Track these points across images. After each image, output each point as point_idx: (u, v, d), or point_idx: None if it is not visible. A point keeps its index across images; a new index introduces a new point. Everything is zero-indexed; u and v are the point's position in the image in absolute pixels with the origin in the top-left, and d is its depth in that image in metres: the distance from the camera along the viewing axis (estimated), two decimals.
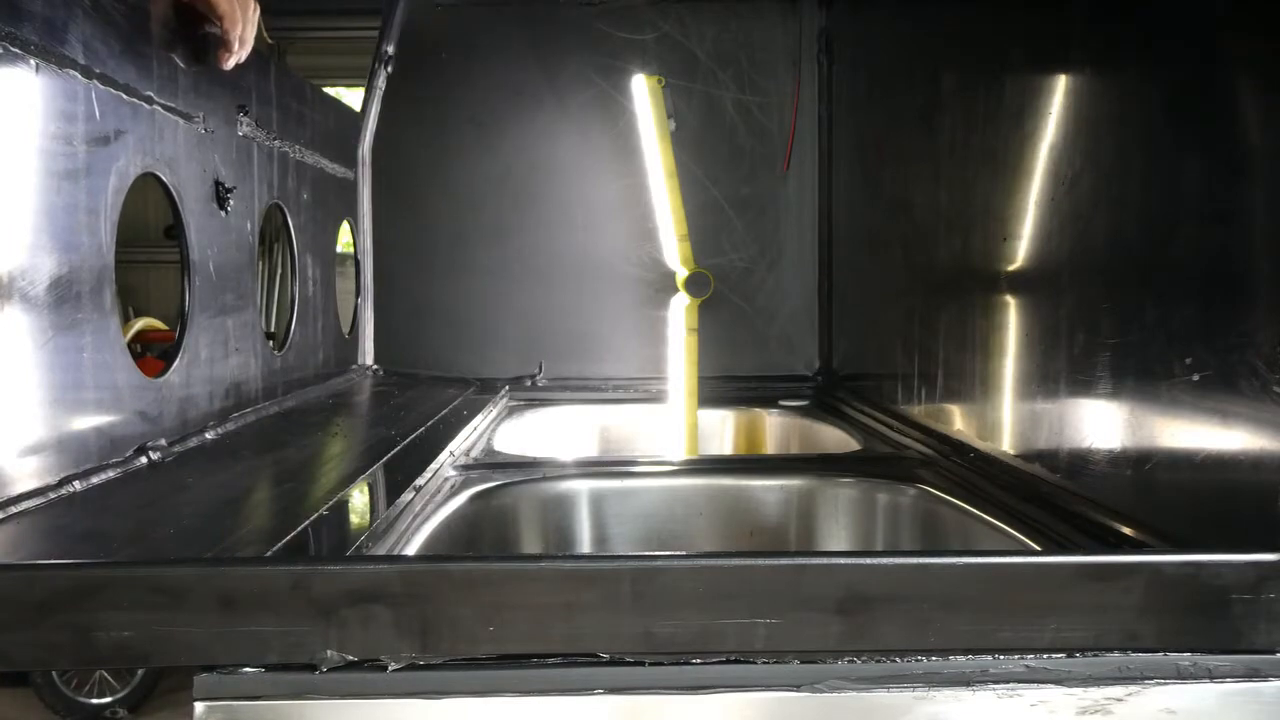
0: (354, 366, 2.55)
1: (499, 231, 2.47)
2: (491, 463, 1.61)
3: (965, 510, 1.34)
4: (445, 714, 0.83)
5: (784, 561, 0.85)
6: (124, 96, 1.41)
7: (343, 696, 0.83)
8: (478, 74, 2.45)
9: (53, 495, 1.21)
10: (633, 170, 2.42)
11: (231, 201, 1.77)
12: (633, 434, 2.36)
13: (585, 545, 1.55)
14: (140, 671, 3.64)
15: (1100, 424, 1.14)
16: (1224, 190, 0.93)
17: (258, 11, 1.61)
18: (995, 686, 0.84)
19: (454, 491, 1.42)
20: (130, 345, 1.69)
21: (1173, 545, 1.00)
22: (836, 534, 1.56)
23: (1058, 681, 0.84)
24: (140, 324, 4.62)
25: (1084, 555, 0.99)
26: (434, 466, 1.47)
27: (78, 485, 1.26)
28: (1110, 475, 1.11)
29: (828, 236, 2.50)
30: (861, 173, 2.25)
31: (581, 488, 1.58)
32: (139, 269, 6.09)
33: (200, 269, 1.67)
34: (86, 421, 1.36)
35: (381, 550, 1.10)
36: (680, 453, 2.22)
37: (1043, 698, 0.84)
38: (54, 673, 3.57)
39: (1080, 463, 1.18)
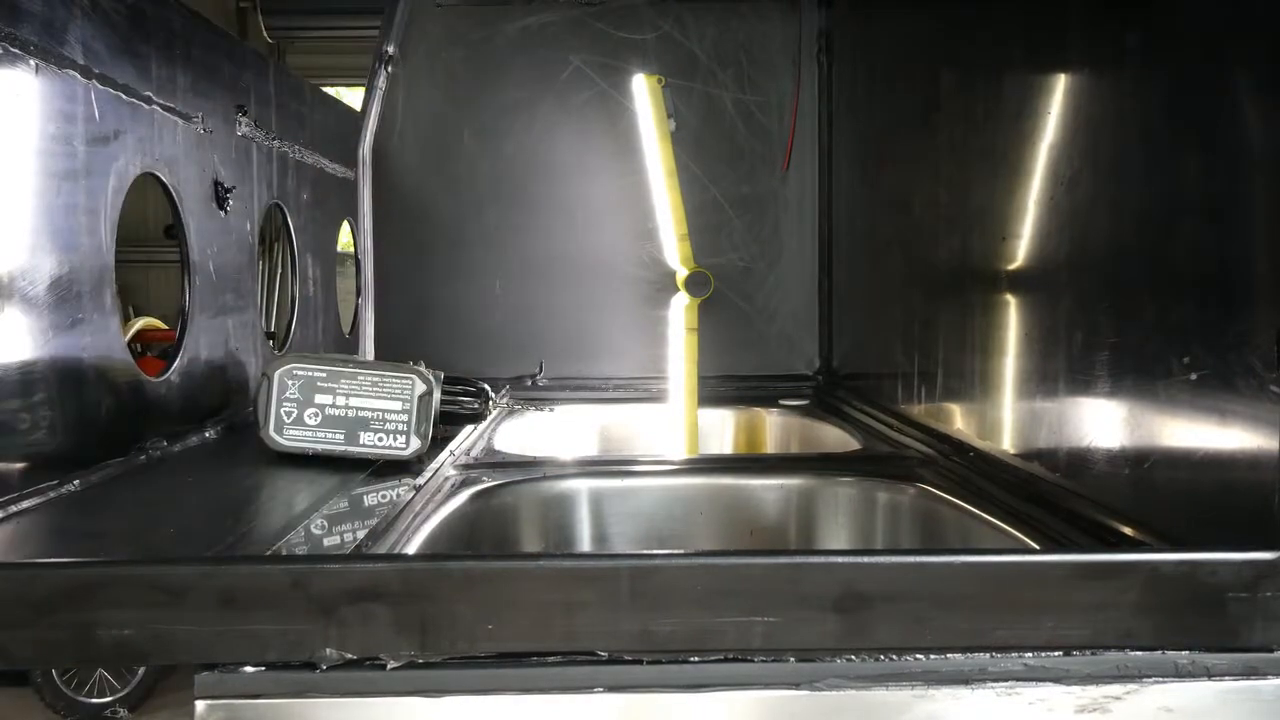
0: None
1: (499, 231, 2.47)
2: (491, 462, 1.61)
3: (965, 509, 1.34)
4: (444, 712, 0.83)
5: (781, 560, 0.85)
6: (123, 96, 1.42)
7: (342, 695, 0.83)
8: (478, 74, 2.45)
9: (53, 494, 1.21)
10: (633, 170, 2.42)
11: (231, 201, 1.77)
12: (633, 433, 2.36)
13: (585, 544, 1.55)
14: (140, 671, 3.64)
15: (1099, 423, 1.14)
16: (1222, 190, 0.94)
17: None
18: (994, 685, 0.85)
19: (454, 491, 1.42)
20: (130, 345, 1.70)
21: (1170, 544, 1.00)
22: (836, 533, 1.56)
23: (1056, 680, 0.85)
24: (140, 324, 4.63)
25: (1081, 554, 0.99)
26: (434, 465, 1.48)
27: (77, 484, 1.26)
28: (1108, 474, 1.11)
29: (828, 236, 2.50)
30: (861, 172, 2.25)
31: (581, 487, 1.58)
32: (139, 269, 6.09)
33: (200, 269, 1.67)
34: (86, 420, 1.36)
35: (382, 549, 1.10)
36: (680, 452, 2.22)
37: (1041, 696, 0.84)
38: (54, 672, 3.57)
39: (1079, 461, 1.18)
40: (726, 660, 0.84)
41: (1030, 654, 0.85)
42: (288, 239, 2.43)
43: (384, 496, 1.29)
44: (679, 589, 0.83)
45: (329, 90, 3.47)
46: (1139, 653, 0.85)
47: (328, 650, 0.82)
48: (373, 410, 1.44)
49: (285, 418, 1.42)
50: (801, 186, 2.52)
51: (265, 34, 5.32)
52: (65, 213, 1.29)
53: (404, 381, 1.46)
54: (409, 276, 2.50)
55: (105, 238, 1.39)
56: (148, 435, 1.48)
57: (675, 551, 1.28)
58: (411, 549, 1.15)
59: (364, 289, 2.51)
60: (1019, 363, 1.36)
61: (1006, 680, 0.85)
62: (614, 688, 0.84)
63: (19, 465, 1.22)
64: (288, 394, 1.42)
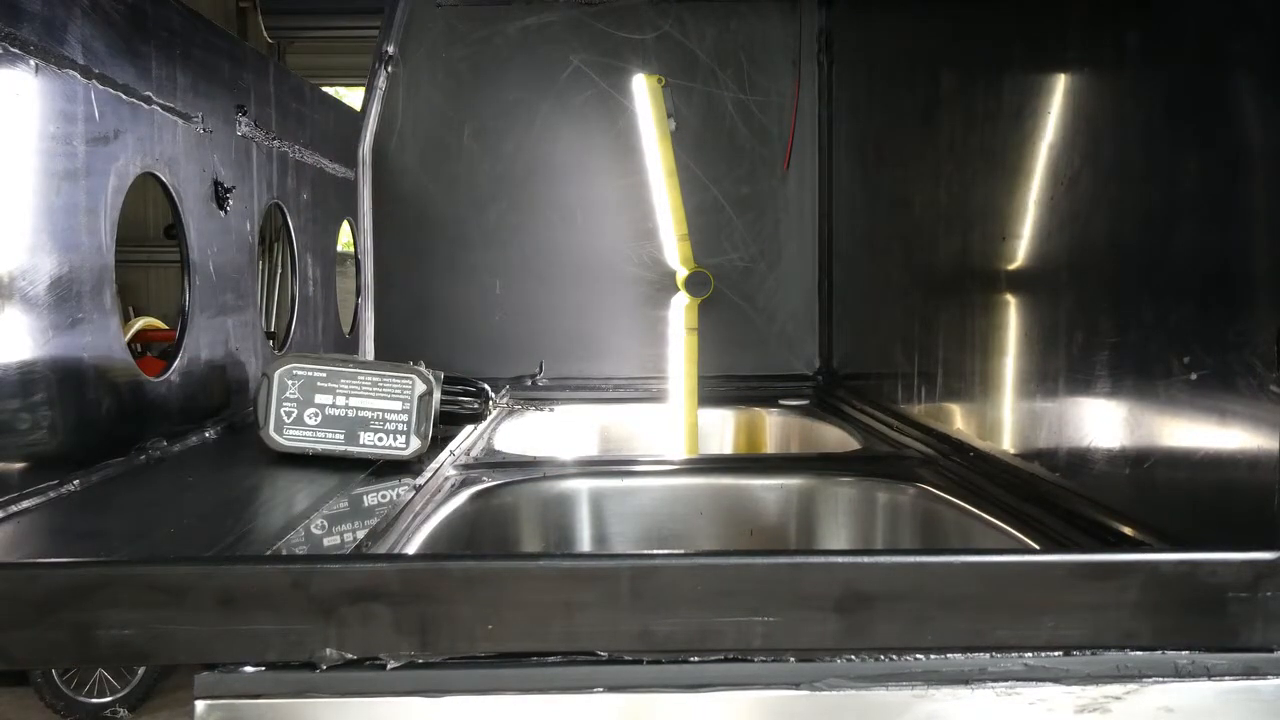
0: None
1: (499, 231, 2.47)
2: (492, 462, 1.61)
3: (965, 509, 1.34)
4: (444, 712, 0.83)
5: (781, 560, 0.85)
6: (123, 96, 1.42)
7: (342, 695, 0.83)
8: (478, 73, 2.45)
9: (53, 494, 1.21)
10: (633, 170, 2.42)
11: (231, 201, 1.77)
12: (633, 433, 2.36)
13: (585, 544, 1.55)
14: (140, 671, 3.64)
15: (1099, 423, 1.14)
16: (1222, 190, 0.94)
17: None
18: (994, 685, 0.85)
19: (454, 491, 1.42)
20: (130, 345, 1.70)
21: (1170, 544, 1.00)
22: (836, 533, 1.56)
23: (1056, 680, 0.85)
24: (140, 323, 4.63)
25: (1082, 554, 0.99)
26: (434, 465, 1.48)
27: (77, 484, 1.26)
28: (1108, 474, 1.12)
29: (828, 236, 2.50)
30: (861, 172, 2.25)
31: (581, 487, 1.58)
32: (139, 268, 6.10)
33: (200, 269, 1.67)
34: (86, 420, 1.36)
35: (382, 549, 1.10)
36: (680, 452, 2.22)
37: (1041, 696, 0.84)
38: (54, 672, 3.57)
39: (1079, 461, 1.18)
40: (726, 660, 0.84)
41: (1030, 654, 0.85)
42: (288, 239, 2.43)
43: (384, 496, 1.29)
44: (679, 589, 0.83)
45: (329, 90, 3.47)
46: (1139, 653, 0.85)
47: (328, 650, 0.82)
48: (373, 410, 1.44)
49: (285, 418, 1.42)
50: (801, 186, 2.52)
51: (265, 34, 5.32)
52: (65, 213, 1.29)
53: (404, 381, 1.46)
54: (409, 276, 2.50)
55: (105, 238, 1.39)
56: (148, 435, 1.48)
57: (675, 551, 1.28)
58: (411, 549, 1.15)
59: (364, 289, 2.51)
60: (1019, 363, 1.36)
61: (1006, 680, 0.85)
62: (614, 688, 0.84)
63: (19, 465, 1.22)
64: (288, 394, 1.42)
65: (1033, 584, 0.86)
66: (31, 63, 1.21)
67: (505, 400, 2.28)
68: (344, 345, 2.87)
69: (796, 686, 0.84)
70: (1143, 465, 1.05)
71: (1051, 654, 0.85)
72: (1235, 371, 0.90)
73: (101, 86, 1.36)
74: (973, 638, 0.84)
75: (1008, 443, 1.41)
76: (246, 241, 1.89)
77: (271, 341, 2.06)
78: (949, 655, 0.85)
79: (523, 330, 2.45)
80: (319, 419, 1.42)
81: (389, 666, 0.83)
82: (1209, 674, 0.85)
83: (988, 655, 0.85)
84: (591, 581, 0.83)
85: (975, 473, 1.45)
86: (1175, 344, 0.99)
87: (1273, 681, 0.85)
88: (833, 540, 1.54)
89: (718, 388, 2.42)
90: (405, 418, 1.45)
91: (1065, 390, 1.22)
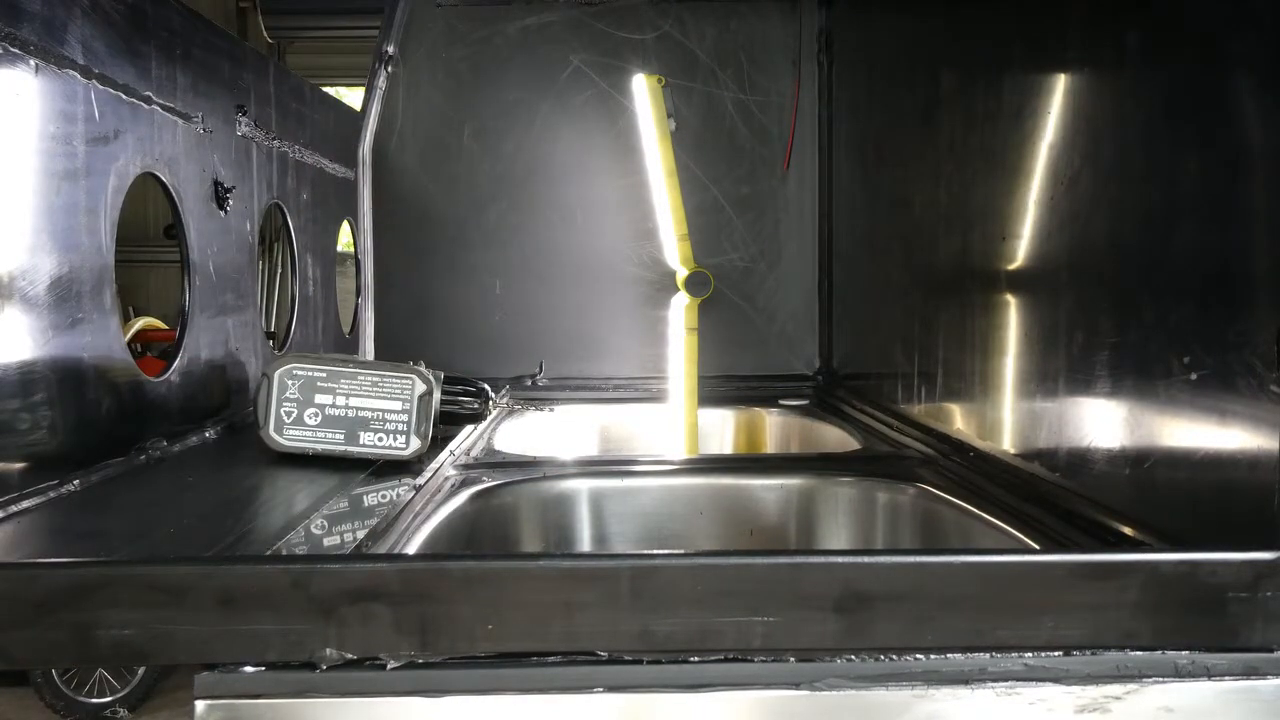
0: None
1: (499, 231, 2.47)
2: (492, 462, 1.61)
3: (965, 509, 1.34)
4: (444, 712, 0.83)
5: (781, 560, 0.85)
6: (123, 96, 1.42)
7: (342, 695, 0.83)
8: (478, 74, 2.45)
9: (53, 494, 1.21)
10: (633, 170, 2.42)
11: (231, 201, 1.77)
12: (633, 433, 2.36)
13: (585, 544, 1.55)
14: (140, 671, 3.64)
15: (1099, 423, 1.14)
16: (1222, 190, 0.94)
17: None
18: (994, 685, 0.85)
19: (454, 490, 1.42)
20: (130, 345, 1.70)
21: (1170, 544, 1.00)
22: (836, 533, 1.56)
23: (1056, 680, 0.85)
24: (140, 324, 4.63)
25: (1082, 554, 0.99)
26: (434, 465, 1.48)
27: (77, 484, 1.26)
28: (1109, 474, 1.12)
29: (828, 236, 2.50)
30: (861, 172, 2.25)
31: (581, 487, 1.58)
32: (139, 269, 6.10)
33: (200, 269, 1.67)
34: (86, 420, 1.36)
35: (382, 549, 1.10)
36: (680, 452, 2.22)
37: (1041, 696, 0.85)
38: (54, 672, 3.57)
39: (1079, 461, 1.18)
40: (726, 660, 0.84)
41: (1030, 654, 0.85)
42: (288, 239, 2.43)
43: (384, 496, 1.29)
44: (679, 589, 0.83)
45: (329, 90, 3.47)
46: (1139, 653, 0.85)
47: (328, 650, 0.82)
48: (373, 410, 1.44)
49: (285, 418, 1.42)
50: (801, 186, 2.52)
51: (265, 34, 5.32)
52: (65, 213, 1.29)
53: (404, 381, 1.46)
54: (409, 276, 2.50)
55: (105, 238, 1.39)
56: (148, 435, 1.48)
57: (675, 551, 1.28)
58: (411, 549, 1.15)
59: (364, 289, 2.51)
60: (1019, 363, 1.36)
61: (1006, 680, 0.85)
62: (614, 688, 0.84)
63: (19, 465, 1.22)
64: (288, 394, 1.42)
65: (1033, 584, 0.86)
66: (31, 63, 1.21)
67: (505, 400, 2.28)
68: (344, 345, 2.87)
69: (796, 686, 0.84)
70: (1143, 465, 1.05)
71: (1051, 654, 0.85)
72: (1235, 371, 0.90)
73: (101, 86, 1.36)
74: (973, 638, 0.85)
75: (1008, 443, 1.41)
76: (246, 241, 1.89)
77: (271, 341, 2.06)
78: (949, 655, 0.85)
79: (523, 330, 2.44)
80: (319, 419, 1.42)
81: (389, 666, 0.83)
82: (1209, 674, 0.85)
83: (988, 655, 0.85)
84: (591, 581, 0.83)
85: (975, 473, 1.45)
86: (1175, 344, 0.99)
87: (1273, 681, 0.85)
88: (833, 540, 1.54)
89: (718, 388, 2.42)
90: (405, 418, 1.45)
91: (1065, 390, 1.22)
